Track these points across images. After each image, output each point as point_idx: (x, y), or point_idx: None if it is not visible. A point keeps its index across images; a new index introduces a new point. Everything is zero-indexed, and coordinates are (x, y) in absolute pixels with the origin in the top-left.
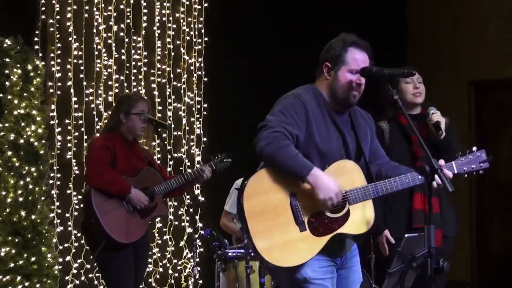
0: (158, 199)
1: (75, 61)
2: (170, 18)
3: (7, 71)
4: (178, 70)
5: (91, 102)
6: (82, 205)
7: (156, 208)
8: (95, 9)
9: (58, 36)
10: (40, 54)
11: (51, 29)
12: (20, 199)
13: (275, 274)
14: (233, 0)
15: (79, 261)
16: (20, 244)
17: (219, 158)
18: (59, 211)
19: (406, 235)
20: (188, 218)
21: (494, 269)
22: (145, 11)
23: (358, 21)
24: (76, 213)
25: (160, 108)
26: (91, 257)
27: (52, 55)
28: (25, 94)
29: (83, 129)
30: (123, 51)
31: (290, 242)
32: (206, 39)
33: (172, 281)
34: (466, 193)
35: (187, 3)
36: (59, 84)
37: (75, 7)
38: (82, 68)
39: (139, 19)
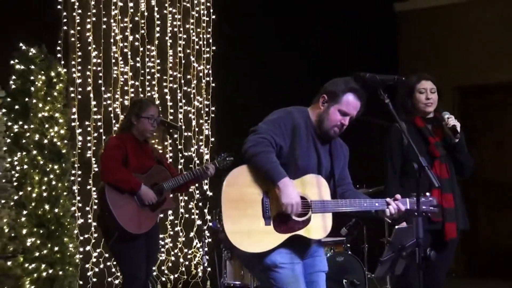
0: (167, 194)
1: (94, 68)
2: (181, 29)
3: (32, 77)
4: (188, 77)
5: (109, 105)
6: (97, 200)
7: (165, 202)
8: (112, 21)
9: (78, 45)
10: (62, 62)
11: (72, 39)
12: (44, 194)
13: (244, 261)
14: (239, 13)
15: (98, 250)
16: (44, 235)
17: (222, 156)
18: (80, 205)
19: (396, 227)
20: (197, 211)
21: (480, 259)
22: (158, 22)
23: (356, 24)
24: (95, 207)
25: (172, 111)
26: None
27: (73, 62)
28: (48, 98)
29: (101, 130)
30: (138, 59)
31: (254, 231)
32: (214, 48)
33: (183, 269)
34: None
35: (197, 15)
36: (80, 89)
37: (94, 19)
38: (100, 74)
39: (153, 30)
